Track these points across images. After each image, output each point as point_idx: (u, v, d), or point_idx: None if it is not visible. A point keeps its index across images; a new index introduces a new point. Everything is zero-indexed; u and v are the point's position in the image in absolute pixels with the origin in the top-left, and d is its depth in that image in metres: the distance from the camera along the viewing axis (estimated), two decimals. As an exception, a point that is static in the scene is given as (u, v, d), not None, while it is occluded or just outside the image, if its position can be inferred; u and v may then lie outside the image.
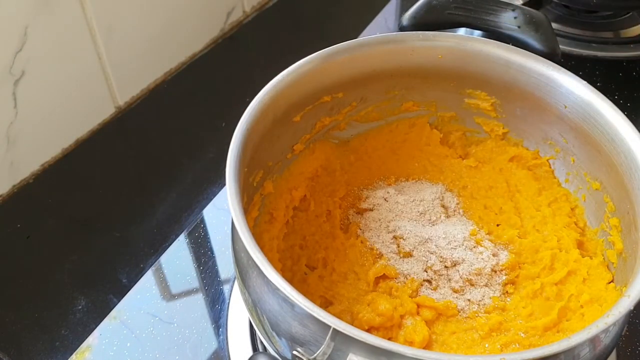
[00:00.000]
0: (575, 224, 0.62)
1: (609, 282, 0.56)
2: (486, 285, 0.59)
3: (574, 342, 0.41)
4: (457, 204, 0.66)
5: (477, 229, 0.63)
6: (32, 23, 0.72)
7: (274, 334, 0.48)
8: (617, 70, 0.88)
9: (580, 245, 0.60)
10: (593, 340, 0.44)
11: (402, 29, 0.65)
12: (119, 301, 0.65)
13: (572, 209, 0.63)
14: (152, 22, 0.88)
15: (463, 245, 0.60)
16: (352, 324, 0.45)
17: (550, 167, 0.66)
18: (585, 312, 0.54)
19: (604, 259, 0.58)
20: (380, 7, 1.03)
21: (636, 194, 0.52)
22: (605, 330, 0.44)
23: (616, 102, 0.56)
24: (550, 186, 0.65)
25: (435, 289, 0.58)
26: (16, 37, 0.71)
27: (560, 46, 0.62)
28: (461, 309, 0.57)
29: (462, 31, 0.81)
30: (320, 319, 0.41)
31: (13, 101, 0.74)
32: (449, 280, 0.58)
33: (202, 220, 0.72)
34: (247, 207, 0.56)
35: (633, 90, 0.85)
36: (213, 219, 0.72)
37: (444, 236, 0.61)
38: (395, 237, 0.62)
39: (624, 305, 0.44)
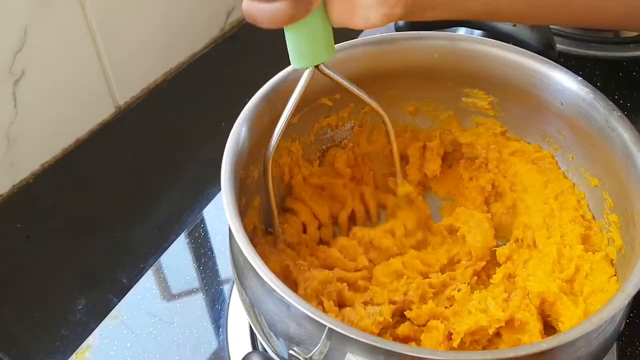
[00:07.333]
0: (582, 217, 0.61)
1: (611, 276, 0.56)
2: None
3: (568, 337, 0.42)
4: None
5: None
6: (32, 23, 0.72)
7: (271, 334, 0.48)
8: (617, 70, 0.88)
9: (586, 238, 0.60)
10: (589, 336, 0.44)
11: (398, 29, 0.65)
12: (119, 301, 0.65)
13: (578, 201, 0.62)
14: (152, 22, 0.88)
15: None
16: None
17: (554, 159, 0.65)
18: (587, 306, 0.54)
19: (606, 253, 0.58)
20: (380, 6, 1.03)
21: (633, 190, 0.52)
22: (601, 326, 0.44)
23: (616, 102, 0.56)
24: (557, 178, 0.64)
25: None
26: (16, 37, 0.72)
27: (560, 46, 0.62)
28: None
29: (462, 31, 0.81)
30: (315, 318, 0.42)
31: (13, 101, 0.74)
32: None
33: (202, 220, 0.72)
34: (244, 209, 0.56)
35: (633, 90, 0.85)
36: (213, 219, 0.72)
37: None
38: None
39: (619, 300, 0.44)
